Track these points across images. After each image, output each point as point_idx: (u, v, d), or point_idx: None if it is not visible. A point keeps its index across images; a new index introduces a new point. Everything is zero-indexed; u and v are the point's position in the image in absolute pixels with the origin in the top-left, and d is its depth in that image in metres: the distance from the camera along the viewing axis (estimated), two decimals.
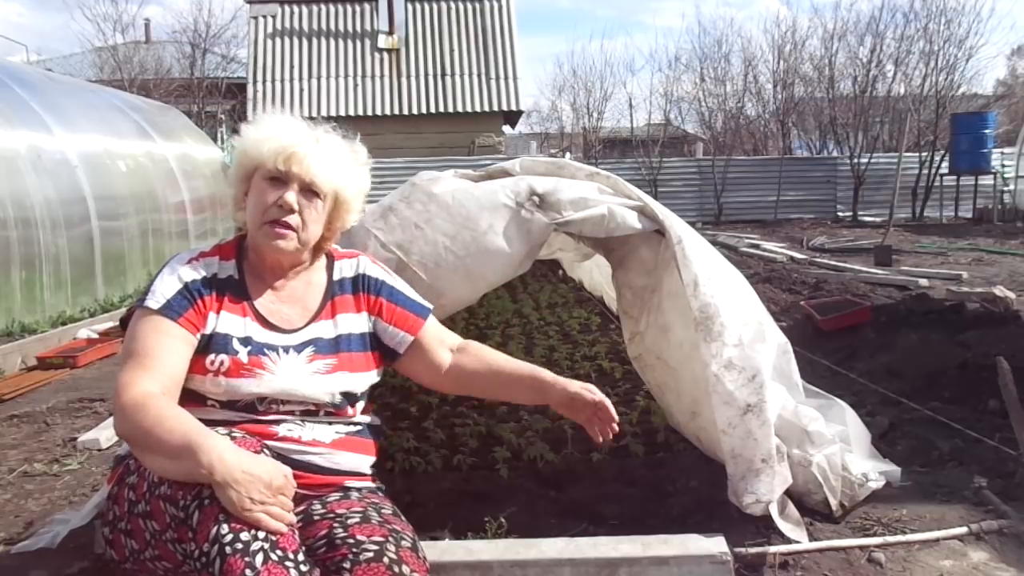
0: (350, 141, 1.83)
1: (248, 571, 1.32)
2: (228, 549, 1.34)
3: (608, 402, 1.80)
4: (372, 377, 1.82)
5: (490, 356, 1.93)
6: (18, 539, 2.43)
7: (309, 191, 1.71)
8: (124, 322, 1.73)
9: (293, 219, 1.69)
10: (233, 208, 1.83)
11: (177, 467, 1.43)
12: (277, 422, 1.66)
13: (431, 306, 1.94)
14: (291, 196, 1.69)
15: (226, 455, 1.40)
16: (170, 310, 1.63)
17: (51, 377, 4.79)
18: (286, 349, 1.70)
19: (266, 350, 1.68)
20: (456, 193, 2.39)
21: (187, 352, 1.63)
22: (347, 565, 1.45)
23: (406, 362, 1.89)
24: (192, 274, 1.70)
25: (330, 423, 1.72)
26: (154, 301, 1.64)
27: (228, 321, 1.69)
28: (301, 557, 1.40)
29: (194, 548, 1.39)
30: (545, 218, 2.33)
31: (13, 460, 3.30)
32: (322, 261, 1.85)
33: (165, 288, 1.66)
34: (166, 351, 1.59)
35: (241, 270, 1.76)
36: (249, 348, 1.67)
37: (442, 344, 1.91)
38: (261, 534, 1.37)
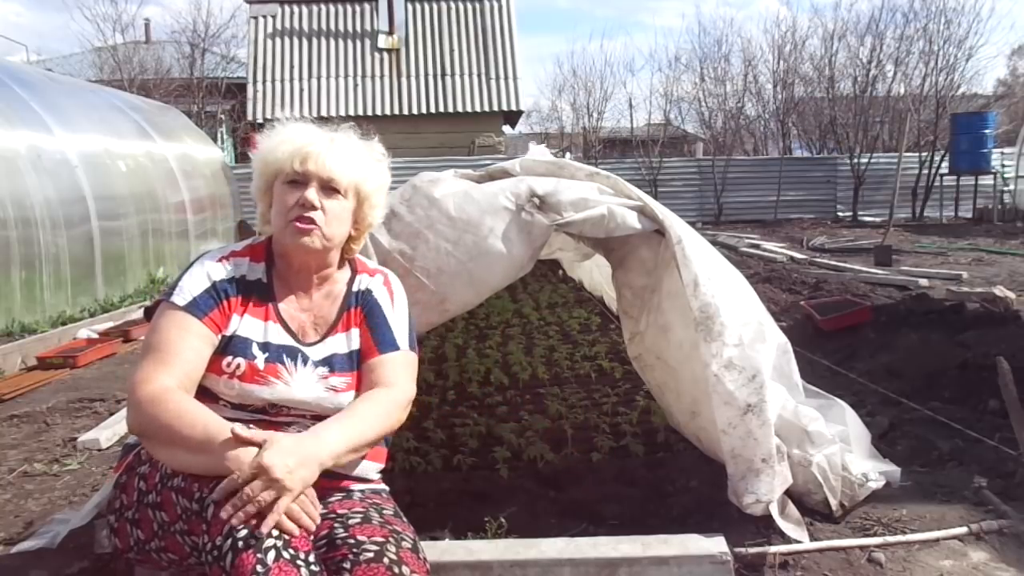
0: (366, 139, 1.83)
1: (259, 567, 1.33)
2: (241, 544, 1.35)
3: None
4: None
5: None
6: (18, 539, 2.43)
7: (329, 188, 1.70)
8: (148, 312, 1.73)
9: (316, 215, 1.68)
10: (261, 224, 1.82)
11: (197, 461, 1.45)
12: (288, 423, 1.66)
13: (401, 348, 1.79)
14: (311, 194, 1.68)
15: (250, 450, 1.43)
16: (196, 308, 1.63)
17: (51, 377, 4.79)
18: (304, 360, 1.70)
19: (284, 357, 1.68)
20: (457, 197, 2.39)
21: (207, 352, 1.63)
22: (347, 565, 1.45)
23: None
24: (221, 273, 1.69)
25: None
26: (181, 297, 1.64)
27: (250, 324, 1.68)
28: (312, 558, 1.41)
29: (207, 541, 1.40)
30: (546, 220, 2.33)
31: (13, 460, 3.30)
32: (346, 273, 1.84)
33: (193, 285, 1.66)
34: (187, 348, 1.60)
35: (270, 274, 1.76)
36: (267, 355, 1.67)
37: (374, 383, 1.74)
38: (275, 531, 1.38)
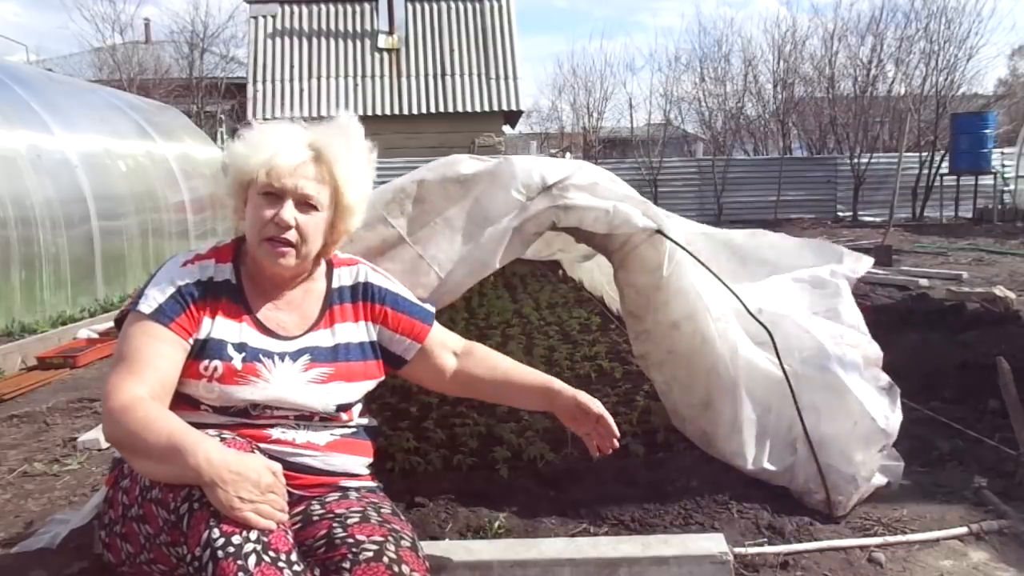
0: (349, 137, 1.77)
1: (241, 574, 1.32)
2: (220, 553, 1.33)
3: (609, 417, 1.82)
4: (369, 386, 1.81)
5: (498, 362, 1.93)
6: (18, 539, 2.43)
7: (305, 204, 1.67)
8: (119, 323, 1.71)
9: (291, 235, 1.66)
10: (234, 218, 1.78)
11: (165, 470, 1.43)
12: (271, 425, 1.65)
13: (434, 310, 1.94)
14: (287, 214, 1.65)
15: (212, 455, 1.40)
16: (162, 315, 1.61)
17: (51, 377, 4.79)
18: (282, 356, 1.68)
19: (261, 356, 1.66)
20: (475, 187, 2.38)
21: (178, 357, 1.61)
22: (347, 565, 1.44)
23: (412, 368, 1.89)
24: (186, 278, 1.67)
25: (324, 427, 1.72)
26: (146, 305, 1.62)
27: (223, 326, 1.67)
28: (294, 558, 1.39)
29: (186, 552, 1.39)
30: (547, 201, 2.33)
31: (13, 460, 3.30)
32: (321, 268, 1.82)
33: (158, 292, 1.64)
34: (156, 356, 1.58)
35: (238, 274, 1.74)
36: (244, 355, 1.65)
37: (445, 348, 1.91)
38: (253, 535, 1.36)
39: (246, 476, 1.39)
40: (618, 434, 1.83)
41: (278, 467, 1.47)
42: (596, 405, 1.83)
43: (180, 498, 1.41)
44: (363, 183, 1.79)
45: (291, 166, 1.65)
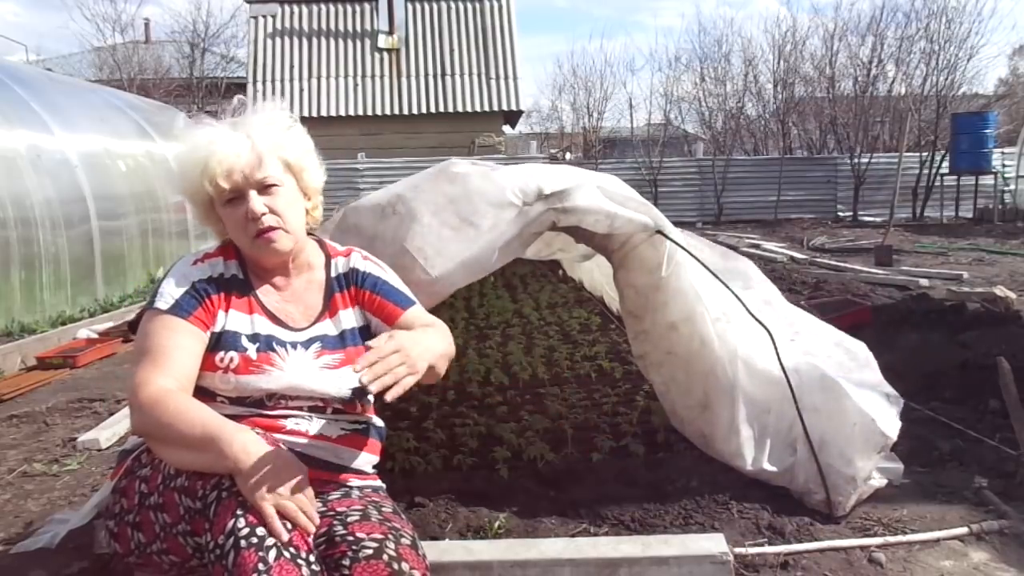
0: (264, 113, 1.78)
1: (260, 565, 1.34)
2: (243, 543, 1.36)
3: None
4: None
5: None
6: (18, 539, 2.44)
7: (264, 187, 1.71)
8: (133, 326, 1.74)
9: (271, 220, 1.70)
10: (221, 237, 1.82)
11: (200, 459, 1.47)
12: (285, 416, 1.68)
13: (416, 303, 1.90)
14: (256, 204, 1.68)
15: (250, 445, 1.45)
16: (180, 309, 1.65)
17: (51, 377, 4.79)
18: (294, 345, 1.72)
19: (275, 345, 1.70)
20: (469, 183, 2.39)
21: (199, 349, 1.65)
22: (346, 562, 1.46)
23: None
24: (199, 274, 1.72)
25: (336, 420, 1.74)
26: (163, 302, 1.66)
27: (236, 319, 1.71)
28: (313, 558, 1.41)
29: (209, 540, 1.41)
30: (545, 204, 2.34)
31: (13, 460, 3.30)
32: (321, 259, 1.86)
33: (173, 289, 1.68)
34: (178, 348, 1.62)
35: (245, 269, 1.78)
36: (257, 345, 1.69)
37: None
38: None
39: (278, 470, 1.44)
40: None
41: (305, 469, 1.50)
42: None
43: (210, 486, 1.45)
44: (300, 140, 1.81)
45: (231, 162, 1.68)
